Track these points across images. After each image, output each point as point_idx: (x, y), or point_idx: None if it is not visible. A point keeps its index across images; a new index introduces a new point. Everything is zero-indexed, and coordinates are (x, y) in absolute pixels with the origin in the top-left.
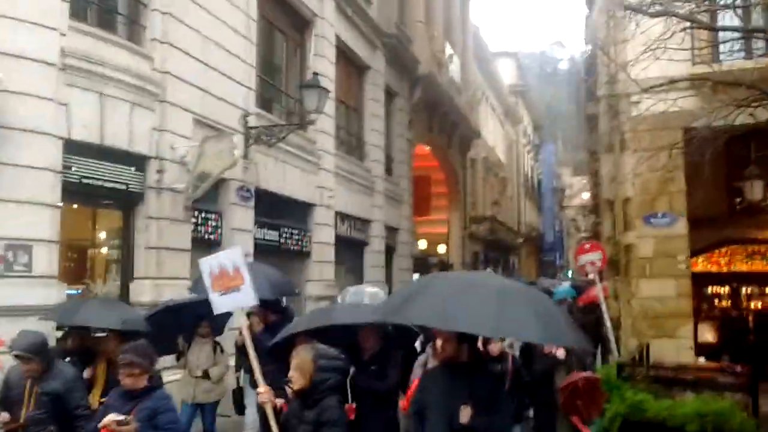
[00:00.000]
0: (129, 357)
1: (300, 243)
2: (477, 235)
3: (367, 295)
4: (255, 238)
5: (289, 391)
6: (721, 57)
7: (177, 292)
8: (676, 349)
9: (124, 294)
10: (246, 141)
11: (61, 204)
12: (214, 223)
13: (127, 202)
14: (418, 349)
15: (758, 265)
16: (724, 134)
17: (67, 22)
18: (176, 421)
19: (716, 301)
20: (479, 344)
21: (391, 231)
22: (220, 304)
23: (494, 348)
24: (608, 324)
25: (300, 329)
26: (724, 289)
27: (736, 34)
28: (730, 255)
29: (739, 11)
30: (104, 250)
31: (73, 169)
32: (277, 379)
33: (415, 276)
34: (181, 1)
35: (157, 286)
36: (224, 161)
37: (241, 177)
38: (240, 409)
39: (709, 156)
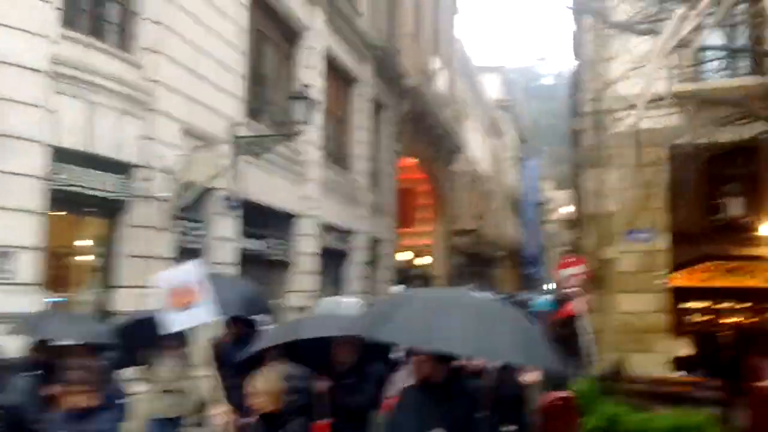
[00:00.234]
0: (76, 374)
1: (284, 253)
2: (460, 248)
3: (343, 306)
4: (239, 248)
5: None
6: (706, 75)
7: (161, 301)
8: (653, 363)
9: (107, 303)
10: (233, 150)
11: (47, 211)
12: (198, 233)
13: (113, 210)
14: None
15: (737, 281)
16: (706, 151)
17: (59, 30)
18: None
19: (695, 316)
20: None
21: (375, 242)
22: (179, 320)
23: (473, 364)
24: (588, 337)
25: (269, 344)
26: (703, 304)
27: (721, 53)
28: (709, 271)
29: (726, 29)
30: (88, 258)
31: (61, 176)
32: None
33: (397, 288)
34: (172, 10)
35: (141, 295)
36: (211, 171)
37: (227, 186)
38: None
39: (691, 173)
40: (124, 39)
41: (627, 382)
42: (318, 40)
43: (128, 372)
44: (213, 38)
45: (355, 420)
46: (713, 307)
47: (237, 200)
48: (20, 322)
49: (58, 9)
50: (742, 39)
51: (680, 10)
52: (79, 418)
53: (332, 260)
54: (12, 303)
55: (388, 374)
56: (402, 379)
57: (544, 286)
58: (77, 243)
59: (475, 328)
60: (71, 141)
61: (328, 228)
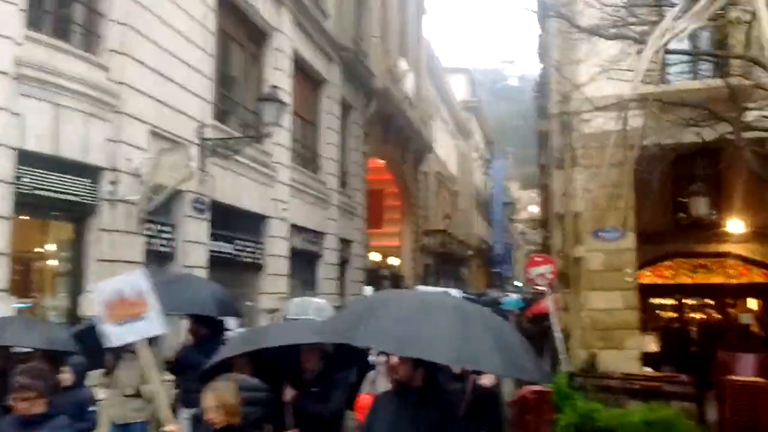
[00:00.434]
0: (22, 380)
1: (254, 255)
2: (429, 248)
3: (313, 308)
4: (209, 251)
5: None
6: (670, 78)
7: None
8: (623, 359)
9: (75, 308)
10: (201, 153)
11: (12, 215)
12: (167, 236)
13: (81, 213)
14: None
15: (701, 278)
16: (671, 152)
17: (23, 32)
18: None
19: (661, 312)
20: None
21: (345, 243)
22: (118, 334)
23: (456, 367)
24: (558, 335)
25: (234, 352)
26: (669, 301)
27: (685, 57)
28: (675, 268)
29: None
30: (55, 262)
31: (26, 180)
32: None
33: (367, 289)
34: (139, 12)
35: None
36: (180, 173)
37: (196, 189)
38: None
39: (657, 173)
40: (89, 40)
41: (599, 379)
42: (285, 42)
43: (90, 378)
44: (180, 40)
45: (321, 429)
46: (679, 303)
47: (206, 203)
48: None
49: (22, 10)
50: (704, 42)
51: (666, 20)
52: (26, 425)
53: (303, 262)
54: None
55: (362, 377)
56: (369, 382)
57: (514, 284)
58: (44, 247)
59: (456, 335)
60: (37, 144)
61: (299, 230)
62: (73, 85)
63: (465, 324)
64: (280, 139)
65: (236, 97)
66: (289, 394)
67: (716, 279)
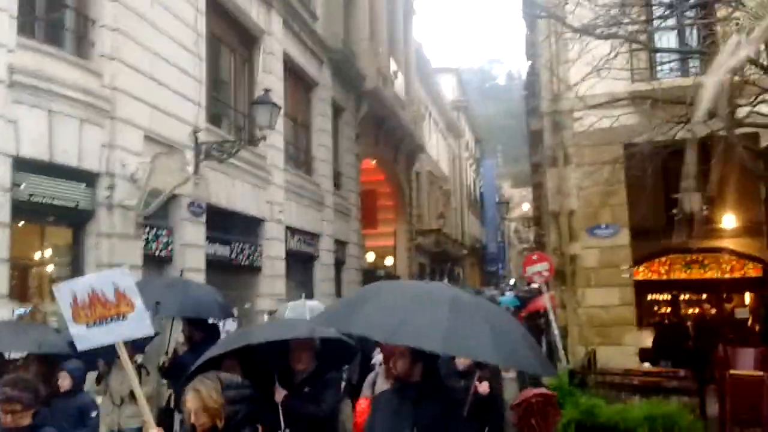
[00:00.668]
0: (9, 392)
1: (251, 258)
2: (423, 247)
3: (308, 310)
4: (206, 254)
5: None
6: (660, 75)
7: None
8: (621, 355)
9: None
10: (196, 156)
11: (10, 222)
12: (165, 240)
13: (78, 219)
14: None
15: (696, 273)
16: (663, 149)
17: (15, 39)
18: None
19: (656, 308)
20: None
21: (340, 244)
22: (89, 336)
23: (460, 362)
24: (556, 332)
25: (220, 351)
26: (664, 297)
27: (674, 55)
28: (669, 264)
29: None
30: (54, 268)
31: (22, 186)
32: None
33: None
34: (130, 17)
35: None
36: (176, 177)
37: (192, 192)
38: None
39: (649, 170)
40: (82, 46)
41: (598, 375)
42: (276, 45)
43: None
44: (171, 44)
45: (314, 431)
46: (674, 299)
47: (202, 206)
48: None
49: (13, 17)
50: (693, 40)
51: (733, 38)
52: None
53: (299, 264)
54: None
55: (363, 378)
56: (368, 384)
57: (508, 283)
58: (43, 253)
59: (449, 324)
60: (33, 150)
61: (294, 232)
62: (66, 91)
63: (459, 313)
64: (274, 141)
65: (228, 100)
66: (279, 394)
67: (710, 274)
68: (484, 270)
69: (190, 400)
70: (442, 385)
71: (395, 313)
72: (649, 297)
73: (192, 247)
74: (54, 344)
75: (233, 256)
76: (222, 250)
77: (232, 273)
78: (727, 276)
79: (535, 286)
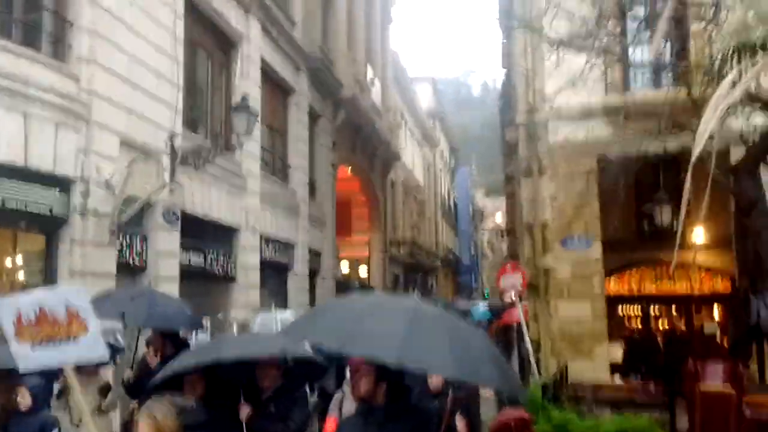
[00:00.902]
0: None
1: (225, 267)
2: (397, 258)
3: (279, 321)
4: (180, 263)
5: None
6: (633, 87)
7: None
8: (592, 368)
9: None
10: (172, 163)
11: None
12: (138, 247)
13: (51, 225)
14: None
15: (666, 287)
16: (636, 162)
17: None
18: None
19: (626, 321)
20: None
21: (315, 254)
22: (34, 357)
23: (434, 382)
24: (529, 345)
25: (186, 367)
26: (635, 310)
27: (647, 67)
28: (640, 276)
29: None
30: (25, 275)
31: None
32: None
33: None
34: (108, 21)
35: None
36: (152, 184)
37: (167, 200)
38: None
39: (622, 182)
40: (59, 49)
41: (570, 389)
42: (253, 50)
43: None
44: (149, 48)
45: None
46: (644, 312)
47: (177, 214)
48: None
49: None
50: (665, 52)
51: (730, 77)
52: None
53: (274, 273)
54: None
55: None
56: (335, 404)
57: (482, 294)
58: (14, 260)
59: (406, 335)
60: (6, 154)
61: (269, 240)
62: (42, 95)
63: (419, 325)
64: (251, 148)
65: (205, 105)
66: (244, 412)
67: (680, 288)
68: (457, 281)
69: (144, 426)
70: (410, 406)
71: (352, 323)
72: (620, 310)
73: (166, 256)
74: (10, 358)
75: (207, 265)
76: (196, 259)
77: (206, 282)
78: (696, 290)
79: (508, 300)
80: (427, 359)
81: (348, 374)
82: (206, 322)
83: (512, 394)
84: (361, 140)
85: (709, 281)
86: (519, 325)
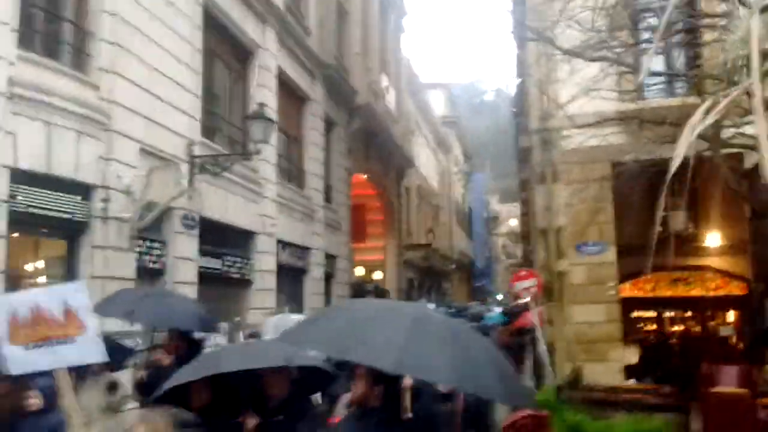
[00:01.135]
0: None
1: (242, 271)
2: (412, 262)
3: (291, 323)
4: (199, 267)
5: None
6: (647, 95)
7: (121, 323)
8: (607, 371)
9: None
10: (191, 170)
11: (6, 233)
12: (158, 252)
13: (73, 231)
14: None
15: (681, 291)
16: (650, 168)
17: (15, 51)
18: None
19: (642, 324)
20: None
21: (330, 258)
22: (25, 360)
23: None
24: (543, 348)
25: (189, 378)
26: (650, 314)
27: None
28: (655, 281)
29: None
30: (47, 280)
31: (19, 198)
32: None
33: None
34: (128, 31)
35: (101, 317)
36: (171, 191)
37: (186, 206)
38: None
39: (637, 188)
40: (80, 59)
41: (585, 391)
42: (270, 60)
43: None
44: (168, 58)
45: None
46: (659, 316)
47: (195, 219)
48: None
49: (14, 30)
50: (679, 61)
51: (707, 103)
52: None
53: (290, 277)
54: None
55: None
56: (344, 405)
57: (496, 298)
58: (37, 265)
59: (406, 343)
60: (29, 162)
61: (285, 245)
62: (64, 104)
63: (420, 332)
64: (267, 155)
65: (223, 114)
66: (250, 423)
67: (695, 292)
68: (472, 285)
69: None
70: (416, 409)
71: (351, 330)
72: (635, 314)
73: (185, 260)
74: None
75: (225, 269)
76: (214, 263)
77: (223, 286)
78: (711, 294)
79: (522, 302)
80: (426, 366)
81: None
82: (224, 325)
83: (515, 405)
84: (375, 147)
85: (724, 285)
86: (533, 328)
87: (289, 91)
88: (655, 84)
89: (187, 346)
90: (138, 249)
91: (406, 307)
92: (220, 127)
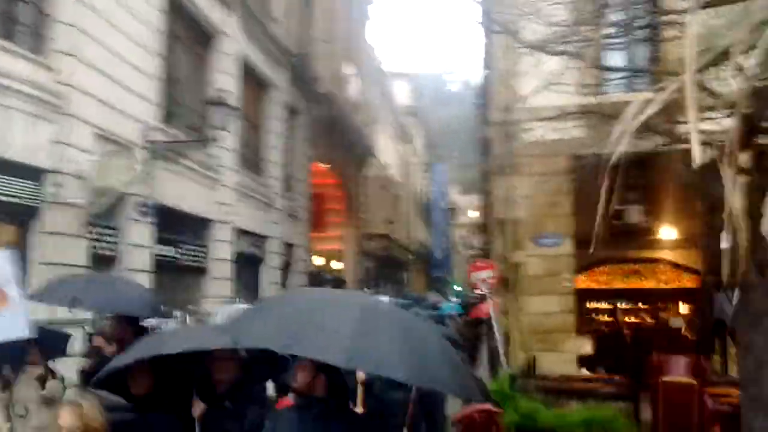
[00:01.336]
0: None
1: (198, 259)
2: (371, 252)
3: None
4: (153, 254)
5: None
6: (608, 90)
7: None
8: (560, 361)
9: None
10: (148, 155)
11: None
12: (111, 239)
13: (24, 216)
14: None
15: (634, 283)
16: (608, 162)
17: None
18: None
19: (596, 316)
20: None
21: (288, 247)
22: None
23: (359, 376)
24: (499, 337)
25: (131, 359)
26: (604, 305)
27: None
28: (609, 273)
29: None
30: None
31: None
32: None
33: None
34: (86, 13)
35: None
36: (125, 176)
37: (141, 192)
38: None
39: (596, 181)
40: (36, 41)
41: (539, 380)
42: (233, 45)
43: None
44: (127, 41)
45: None
46: (614, 307)
47: (150, 206)
48: None
49: None
50: (641, 55)
51: (646, 94)
52: None
53: (247, 266)
54: None
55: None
56: None
57: (454, 288)
58: None
59: (354, 335)
60: None
61: (243, 233)
62: (19, 86)
63: (369, 324)
64: (227, 142)
65: (182, 99)
66: (198, 408)
67: (649, 284)
68: (430, 275)
69: (67, 417)
70: (348, 399)
71: (296, 323)
72: (590, 305)
73: (139, 248)
74: None
75: (180, 257)
76: (169, 251)
77: (178, 275)
78: (664, 286)
79: (479, 292)
80: (377, 360)
81: None
82: (178, 313)
83: (467, 398)
84: (337, 135)
85: (677, 278)
86: (489, 318)
87: (250, 77)
88: (615, 79)
89: (133, 334)
90: (90, 235)
91: (354, 297)
92: (179, 113)
